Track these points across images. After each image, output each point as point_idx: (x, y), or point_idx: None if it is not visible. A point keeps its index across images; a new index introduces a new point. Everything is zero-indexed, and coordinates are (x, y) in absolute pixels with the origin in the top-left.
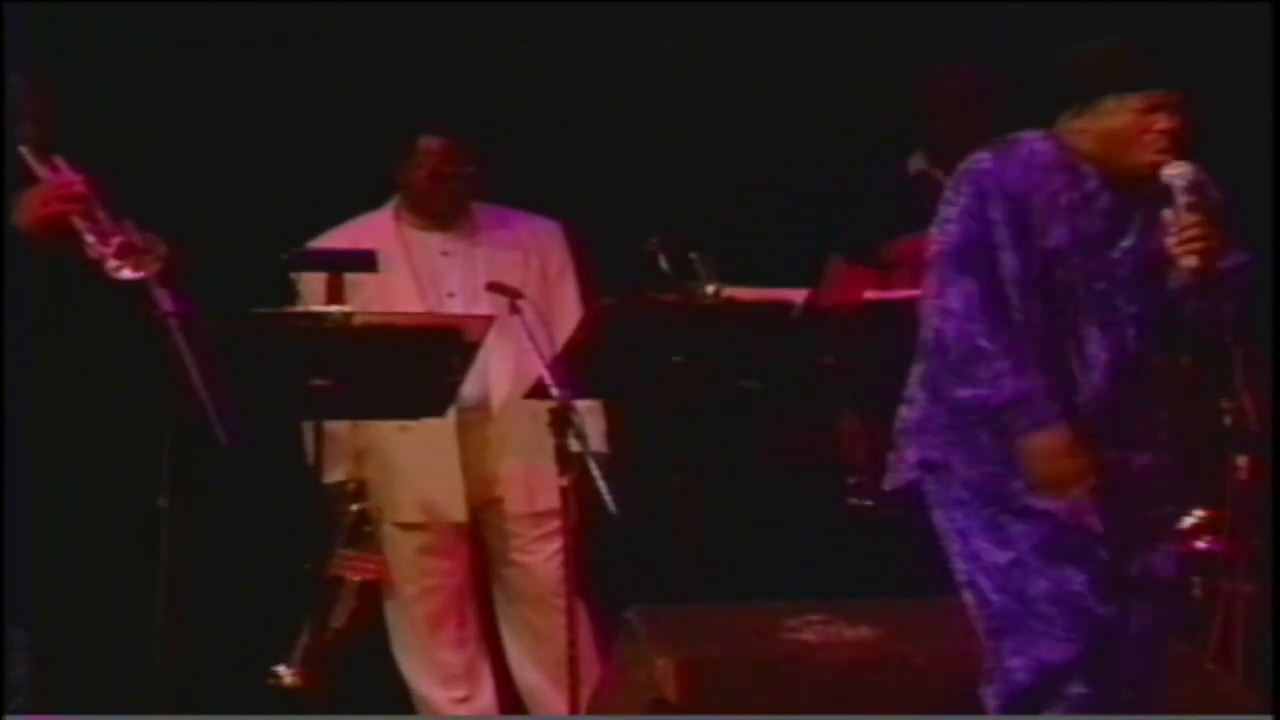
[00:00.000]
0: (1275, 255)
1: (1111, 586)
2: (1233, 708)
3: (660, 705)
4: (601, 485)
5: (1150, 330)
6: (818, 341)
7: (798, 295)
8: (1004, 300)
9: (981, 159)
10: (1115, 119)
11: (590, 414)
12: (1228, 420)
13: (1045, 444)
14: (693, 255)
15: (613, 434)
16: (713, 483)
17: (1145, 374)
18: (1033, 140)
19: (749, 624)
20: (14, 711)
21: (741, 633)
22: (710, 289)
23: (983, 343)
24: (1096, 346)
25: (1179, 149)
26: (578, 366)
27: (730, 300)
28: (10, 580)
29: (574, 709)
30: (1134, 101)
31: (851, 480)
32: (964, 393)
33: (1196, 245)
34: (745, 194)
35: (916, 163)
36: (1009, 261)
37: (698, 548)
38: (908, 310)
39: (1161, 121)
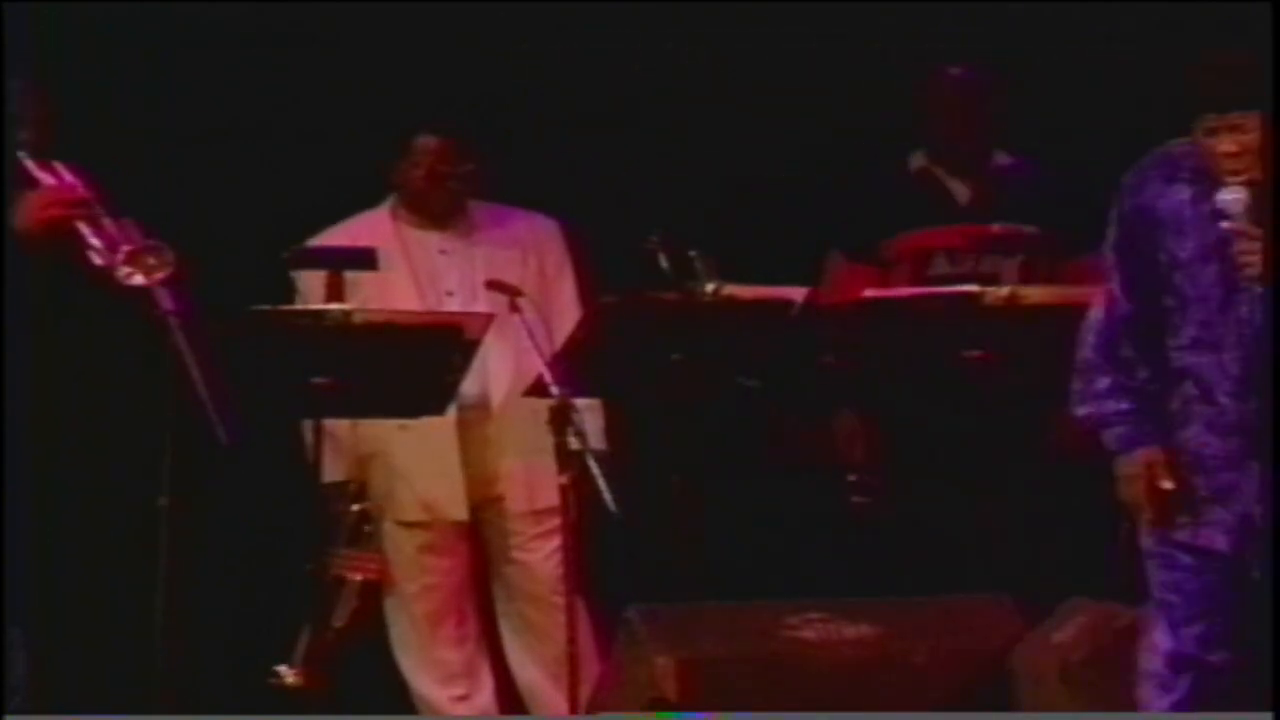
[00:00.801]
0: (1275, 254)
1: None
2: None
3: (660, 704)
4: (601, 484)
5: None
6: (817, 340)
7: (797, 294)
8: (1119, 318)
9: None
10: (1202, 138)
11: (589, 412)
12: None
13: (1129, 467)
14: (692, 254)
15: (612, 433)
16: (713, 482)
17: None
18: (1170, 151)
19: (749, 623)
20: (13, 711)
21: (741, 631)
22: (710, 287)
23: (1089, 355)
24: (1232, 357)
25: (1244, 170)
26: (577, 365)
27: (730, 299)
28: (10, 580)
29: (573, 708)
30: (1201, 126)
31: (851, 478)
32: (1080, 410)
33: (1251, 266)
34: (745, 193)
35: (917, 161)
36: (1117, 280)
37: (698, 547)
38: (907, 308)
39: (1224, 144)
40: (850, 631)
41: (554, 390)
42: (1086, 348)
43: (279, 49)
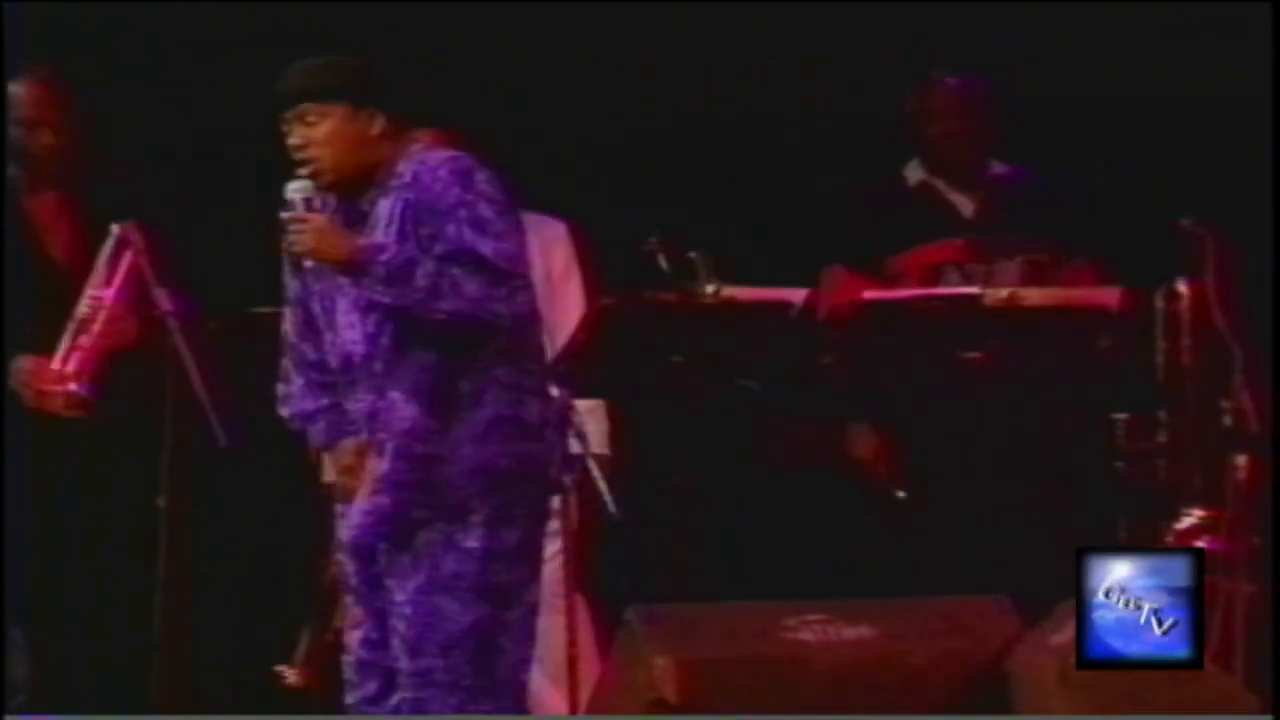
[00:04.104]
0: (1275, 255)
1: None
2: (1233, 708)
3: (660, 705)
4: (602, 485)
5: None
6: (817, 342)
7: (797, 295)
8: (296, 322)
9: None
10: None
11: (592, 414)
12: (1227, 420)
13: (342, 458)
14: (692, 255)
15: (612, 433)
16: (713, 483)
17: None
18: None
19: (748, 624)
20: (13, 711)
21: (741, 633)
22: (710, 288)
23: (285, 360)
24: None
25: (312, 159)
26: (577, 365)
27: (730, 300)
28: (10, 580)
29: (573, 709)
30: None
31: (885, 494)
32: (283, 411)
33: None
34: (745, 194)
35: (915, 174)
36: (293, 288)
37: (698, 548)
38: (907, 310)
39: (292, 137)
40: (850, 632)
41: (554, 392)
42: (285, 354)
43: (279, 49)
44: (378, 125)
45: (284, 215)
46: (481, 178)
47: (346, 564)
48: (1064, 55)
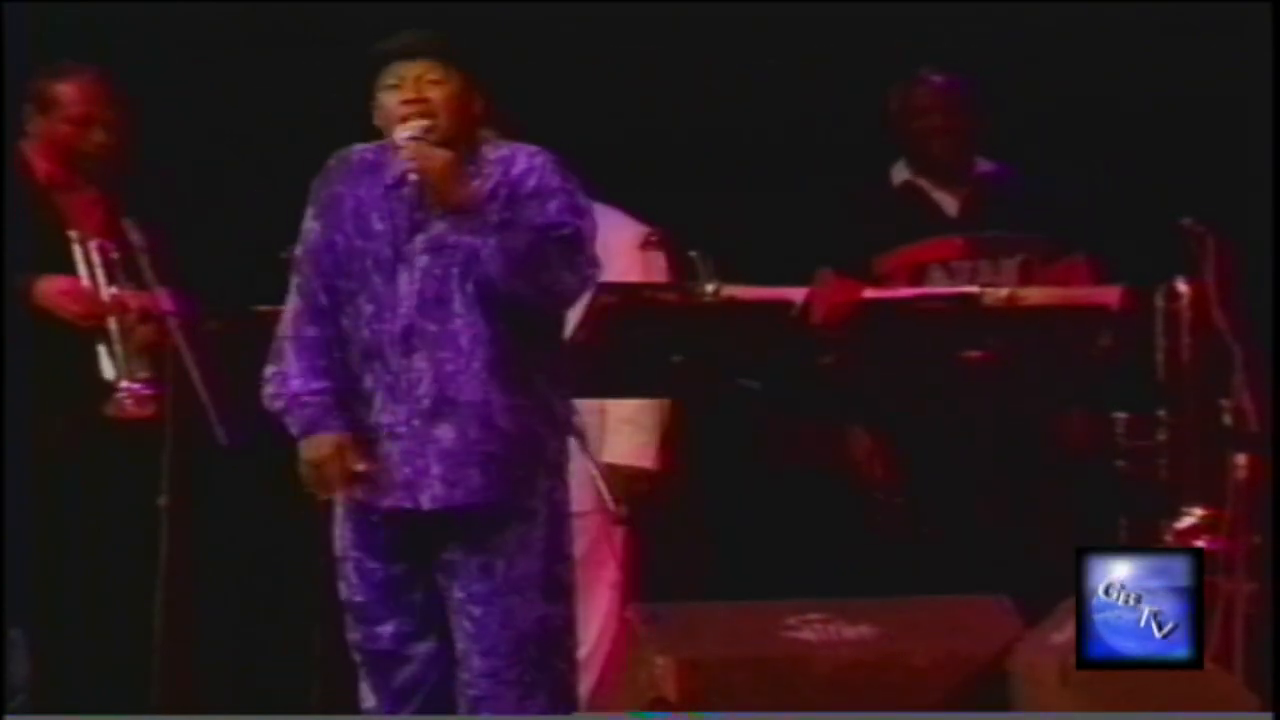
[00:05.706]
0: (1276, 255)
1: None
2: (1233, 707)
3: (660, 704)
4: (601, 486)
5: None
6: (818, 341)
7: (798, 294)
8: (310, 299)
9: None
10: (384, 98)
11: (629, 424)
12: (1227, 419)
13: (318, 450)
14: (693, 254)
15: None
16: (713, 482)
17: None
18: (368, 146)
19: (749, 623)
20: (14, 711)
21: (741, 632)
22: (710, 288)
23: (282, 340)
24: (394, 329)
25: (424, 113)
26: (577, 365)
27: (730, 299)
28: (10, 580)
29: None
30: (381, 86)
31: (880, 496)
32: (267, 391)
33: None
34: (745, 193)
35: (900, 174)
36: (311, 264)
37: (698, 547)
38: (907, 309)
39: (404, 93)
40: (850, 632)
41: None
42: (282, 334)
43: (279, 49)
44: (479, 105)
45: (402, 137)
46: (568, 173)
47: (365, 561)
48: (1064, 55)
